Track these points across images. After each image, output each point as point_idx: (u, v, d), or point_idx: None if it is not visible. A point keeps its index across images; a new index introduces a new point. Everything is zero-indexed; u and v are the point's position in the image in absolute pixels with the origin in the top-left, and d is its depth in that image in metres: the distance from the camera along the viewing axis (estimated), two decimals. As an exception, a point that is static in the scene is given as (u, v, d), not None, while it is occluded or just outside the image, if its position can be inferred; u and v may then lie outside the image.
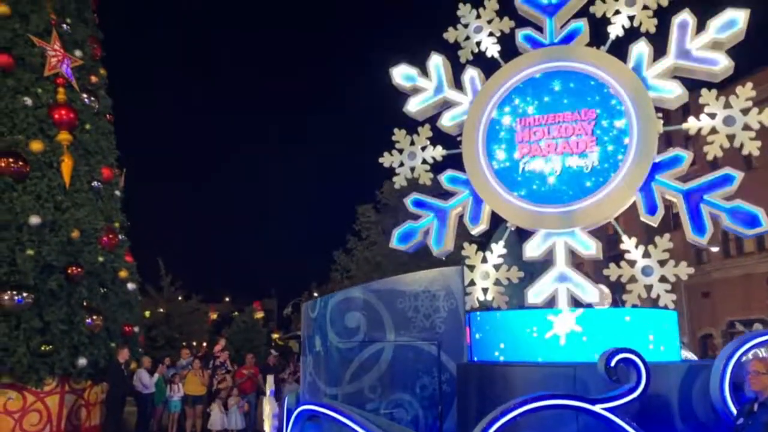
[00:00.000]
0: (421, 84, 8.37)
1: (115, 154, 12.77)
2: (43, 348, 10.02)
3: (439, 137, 8.46)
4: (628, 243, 7.13)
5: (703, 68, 7.12)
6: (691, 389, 5.48)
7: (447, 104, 8.26)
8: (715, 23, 7.10)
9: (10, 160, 9.28)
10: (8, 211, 9.36)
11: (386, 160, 8.44)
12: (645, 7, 7.56)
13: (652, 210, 7.02)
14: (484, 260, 7.71)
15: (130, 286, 12.73)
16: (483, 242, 8.29)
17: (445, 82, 8.29)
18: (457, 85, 8.30)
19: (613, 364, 5.06)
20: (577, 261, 7.65)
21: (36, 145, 9.80)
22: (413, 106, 8.36)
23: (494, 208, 7.67)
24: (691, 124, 7.12)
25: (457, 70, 8.41)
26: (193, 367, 14.86)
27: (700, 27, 7.21)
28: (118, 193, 12.83)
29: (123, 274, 12.32)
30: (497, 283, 7.58)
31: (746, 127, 6.85)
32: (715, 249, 23.31)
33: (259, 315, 31.61)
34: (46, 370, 10.44)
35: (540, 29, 8.02)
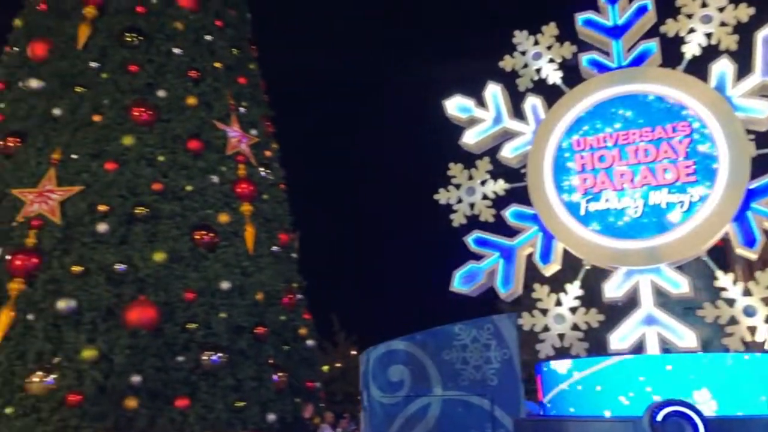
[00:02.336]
0: (478, 115, 7.83)
1: (290, 219, 13.37)
2: (236, 404, 10.38)
3: (499, 171, 7.86)
4: (723, 279, 6.35)
5: (795, 85, 6.47)
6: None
7: (507, 135, 7.68)
8: (805, 36, 6.48)
9: (203, 232, 10.39)
10: (203, 279, 10.19)
11: (442, 196, 7.84)
12: (723, 24, 6.98)
13: (750, 242, 6.27)
14: (558, 303, 6.96)
15: (309, 342, 12.89)
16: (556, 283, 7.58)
17: (504, 111, 7.74)
18: (517, 115, 7.74)
19: (660, 418, 4.57)
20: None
21: (223, 217, 10.81)
22: (470, 138, 7.81)
23: (567, 245, 6.98)
24: (788, 145, 6.42)
25: (515, 100, 7.87)
26: None
27: (789, 41, 6.60)
28: (294, 255, 13.40)
29: (302, 331, 12.58)
30: (575, 328, 6.81)
31: None
32: None
33: None
34: (240, 425, 10.55)
35: (606, 53, 7.48)
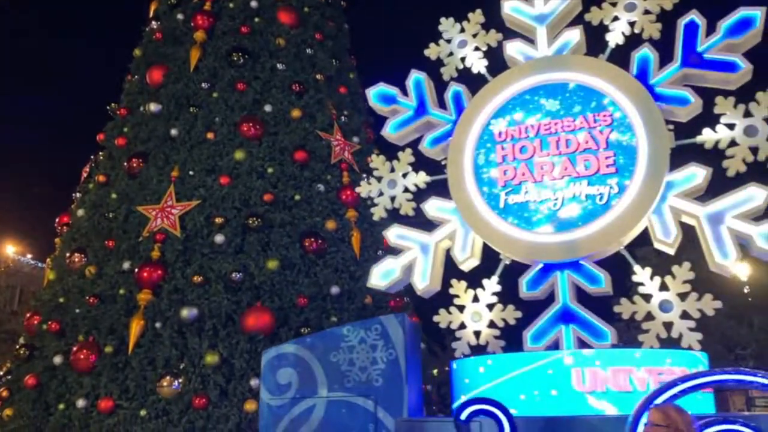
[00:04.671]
0: (401, 104, 7.53)
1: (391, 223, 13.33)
2: None
3: (423, 163, 7.58)
4: (641, 274, 6.12)
5: (716, 74, 6.28)
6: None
7: (430, 125, 7.39)
8: (726, 24, 6.31)
9: (312, 239, 10.73)
10: (314, 284, 10.43)
11: (363, 189, 7.54)
12: (646, 12, 6.79)
13: (667, 234, 6.05)
14: (476, 299, 6.68)
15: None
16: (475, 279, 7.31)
17: (429, 101, 7.46)
18: (441, 104, 7.46)
19: (464, 417, 4.36)
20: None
21: (330, 224, 11.09)
22: (393, 128, 7.51)
23: (485, 238, 6.70)
24: (707, 136, 6.21)
25: (441, 90, 7.59)
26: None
27: (711, 29, 6.42)
28: None
29: None
30: (491, 325, 6.53)
31: (771, 137, 5.94)
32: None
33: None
34: None
35: (531, 41, 7.24)
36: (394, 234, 7.10)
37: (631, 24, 6.85)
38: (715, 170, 6.13)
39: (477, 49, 7.51)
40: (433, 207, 7.05)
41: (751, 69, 6.16)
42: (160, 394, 8.96)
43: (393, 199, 7.35)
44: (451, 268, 7.04)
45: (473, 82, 7.59)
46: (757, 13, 6.21)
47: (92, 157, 14.04)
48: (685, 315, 5.87)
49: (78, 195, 13.90)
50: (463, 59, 7.55)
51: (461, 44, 7.58)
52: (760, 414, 5.11)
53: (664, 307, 5.94)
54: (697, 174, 6.13)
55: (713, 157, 6.27)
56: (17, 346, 11.51)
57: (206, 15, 12.58)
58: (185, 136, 11.73)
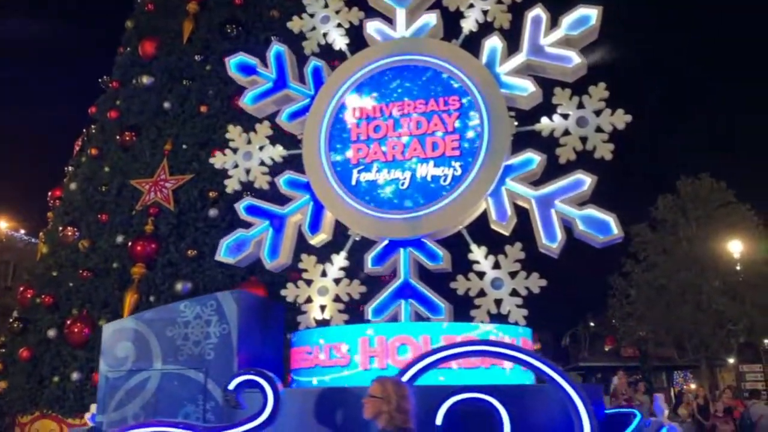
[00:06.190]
0: (261, 76, 7.44)
1: None
2: None
3: (282, 136, 7.55)
4: (477, 253, 6.45)
5: (555, 66, 6.65)
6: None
7: (289, 99, 7.37)
8: (567, 20, 6.68)
9: None
10: None
11: (218, 160, 7.41)
12: (499, 1, 7.05)
13: (502, 217, 6.39)
14: (324, 274, 6.79)
15: None
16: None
17: (288, 74, 7.42)
18: (302, 79, 7.44)
19: (231, 387, 4.73)
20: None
21: None
22: (250, 100, 7.42)
23: (335, 214, 6.80)
24: (544, 124, 6.59)
25: (303, 64, 7.56)
26: None
27: (554, 24, 6.78)
28: None
29: None
30: (337, 299, 6.67)
31: (599, 130, 6.39)
32: None
33: (536, 346, 31.15)
34: None
35: (391, 21, 7.35)
36: (245, 207, 7.05)
37: (485, 12, 7.09)
38: (549, 157, 6.53)
39: (339, 25, 7.54)
40: (286, 181, 7.06)
41: (585, 63, 6.56)
42: None
43: (248, 171, 7.29)
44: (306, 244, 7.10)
45: (335, 58, 7.63)
46: (594, 11, 6.60)
47: (84, 130, 14.08)
48: (514, 292, 6.25)
49: (70, 168, 13.83)
50: (325, 35, 7.56)
51: (324, 20, 7.58)
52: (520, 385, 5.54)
53: (496, 284, 6.29)
54: (533, 160, 6.49)
55: (551, 144, 6.67)
56: (11, 320, 11.52)
57: (199, -14, 12.25)
58: (178, 110, 11.63)
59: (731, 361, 29.11)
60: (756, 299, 26.31)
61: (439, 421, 4.37)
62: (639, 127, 6.78)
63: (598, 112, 6.42)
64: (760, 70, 59.94)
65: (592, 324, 38.89)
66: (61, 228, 11.62)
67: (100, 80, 13.99)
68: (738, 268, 26.78)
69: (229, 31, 12.09)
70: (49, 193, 14.12)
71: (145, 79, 12.25)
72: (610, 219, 6.07)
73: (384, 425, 3.76)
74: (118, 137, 11.97)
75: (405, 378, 4.38)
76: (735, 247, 26.40)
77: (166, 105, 11.79)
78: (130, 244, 10.51)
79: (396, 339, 5.76)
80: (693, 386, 27.25)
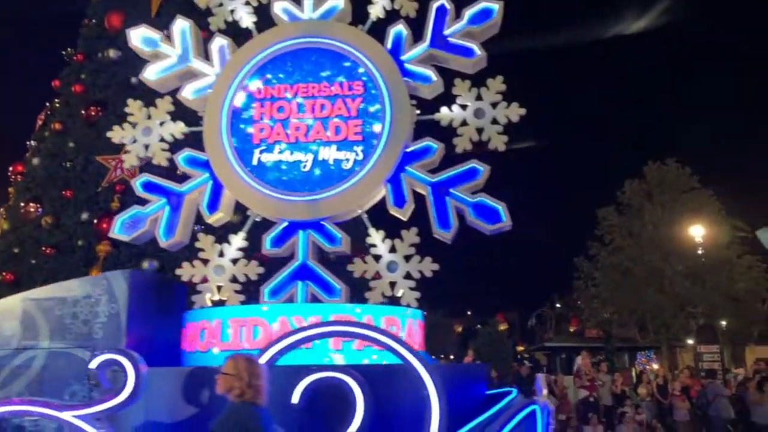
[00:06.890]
0: (163, 50, 7.26)
1: None
2: None
3: (185, 113, 7.40)
4: (374, 236, 6.58)
5: (457, 58, 6.83)
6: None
7: (192, 75, 7.23)
8: (470, 12, 6.86)
9: None
10: None
11: (116, 134, 7.20)
12: (406, -10, 7.14)
13: (400, 202, 6.55)
14: (222, 254, 6.75)
15: None
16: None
17: (192, 50, 7.27)
18: (208, 56, 7.31)
19: (93, 366, 4.88)
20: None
21: None
22: (152, 74, 7.24)
23: (235, 194, 6.76)
24: (444, 114, 6.77)
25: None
26: None
27: (459, 16, 6.94)
28: None
29: None
30: (234, 279, 6.66)
31: (495, 121, 6.64)
32: None
33: (503, 327, 30.78)
34: None
35: (298, 2, 7.31)
36: (141, 183, 6.90)
37: (392, 0, 7.18)
38: (447, 146, 6.72)
39: (248, 3, 7.44)
40: (185, 159, 6.95)
41: (485, 56, 6.77)
42: None
43: (147, 147, 7.12)
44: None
45: (242, 36, 7.53)
46: (495, 5, 6.81)
47: (48, 104, 13.76)
48: (408, 275, 6.44)
49: (33, 143, 13.62)
50: (232, 11, 7.45)
51: (231, -5, 7.45)
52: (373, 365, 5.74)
53: (391, 267, 6.46)
54: (432, 148, 6.67)
55: (450, 134, 6.86)
56: (-30, 297, 11.05)
57: (167, -45, 11.62)
58: (146, 85, 10.96)
59: (690, 342, 29.96)
60: (716, 283, 27.61)
61: (295, 399, 4.51)
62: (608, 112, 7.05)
63: (494, 105, 6.66)
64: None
65: (558, 305, 40.31)
66: (23, 204, 11.51)
67: (63, 52, 13.59)
68: (700, 252, 27.83)
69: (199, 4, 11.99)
70: (10, 168, 13.85)
71: (112, 53, 12.03)
72: (501, 207, 6.34)
73: (233, 399, 3.95)
74: (83, 112, 11.76)
75: (262, 360, 4.51)
76: (697, 231, 27.34)
77: (134, 80, 11.29)
78: (95, 221, 10.45)
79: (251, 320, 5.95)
80: (655, 366, 28.29)
